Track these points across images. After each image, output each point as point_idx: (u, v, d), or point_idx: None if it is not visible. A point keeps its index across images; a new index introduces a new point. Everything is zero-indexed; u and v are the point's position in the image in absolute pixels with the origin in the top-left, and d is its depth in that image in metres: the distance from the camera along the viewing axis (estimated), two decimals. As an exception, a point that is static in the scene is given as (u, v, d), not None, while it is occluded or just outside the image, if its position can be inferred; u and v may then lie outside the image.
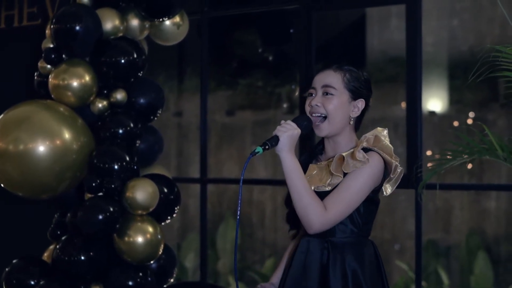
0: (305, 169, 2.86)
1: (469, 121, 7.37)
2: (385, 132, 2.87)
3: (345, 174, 2.76)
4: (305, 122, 2.82)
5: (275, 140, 2.74)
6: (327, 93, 2.84)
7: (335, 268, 2.78)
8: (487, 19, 7.55)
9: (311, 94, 2.89)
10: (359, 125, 2.93)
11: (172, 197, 4.55)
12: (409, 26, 4.75)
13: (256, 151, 2.72)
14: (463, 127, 6.88)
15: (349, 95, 2.85)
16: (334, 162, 2.79)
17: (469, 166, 3.53)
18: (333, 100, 2.83)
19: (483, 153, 3.44)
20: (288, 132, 2.74)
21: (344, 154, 2.78)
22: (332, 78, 2.86)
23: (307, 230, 2.76)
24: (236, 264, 2.76)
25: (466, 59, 7.41)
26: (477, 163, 3.45)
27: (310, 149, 3.01)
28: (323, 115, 2.83)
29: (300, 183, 2.72)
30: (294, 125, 2.77)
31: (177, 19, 4.68)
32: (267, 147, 2.73)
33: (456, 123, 7.50)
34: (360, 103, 2.87)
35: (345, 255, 2.79)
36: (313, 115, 2.85)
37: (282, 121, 2.80)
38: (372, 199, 2.82)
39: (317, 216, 2.70)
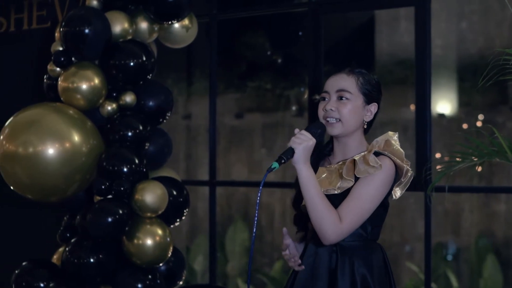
0: (314, 171, 2.85)
1: (479, 124, 7.35)
2: (396, 136, 2.86)
3: (356, 179, 2.75)
4: (319, 130, 2.79)
5: (290, 152, 2.71)
6: (341, 98, 2.82)
7: (344, 272, 2.77)
8: (496, 22, 7.53)
9: (324, 98, 2.87)
10: (369, 128, 2.91)
11: (181, 199, 4.56)
12: (418, 29, 4.74)
13: (272, 167, 2.70)
14: (472, 129, 6.86)
15: (363, 99, 2.83)
16: (346, 166, 2.77)
17: (479, 168, 3.52)
18: (348, 105, 2.81)
19: (493, 156, 3.43)
20: (303, 144, 2.71)
21: (356, 158, 2.76)
22: (346, 82, 2.84)
23: (322, 241, 2.74)
24: (250, 270, 2.75)
25: (475, 61, 7.39)
26: (486, 165, 3.44)
27: (318, 150, 2.99)
28: (338, 119, 2.82)
29: (315, 195, 2.70)
30: (308, 135, 2.74)
31: (186, 22, 4.68)
32: (283, 161, 2.71)
33: (465, 126, 7.48)
34: (373, 107, 2.86)
35: (354, 259, 2.78)
36: (328, 119, 2.83)
37: (296, 130, 2.76)
38: (383, 203, 2.80)
39: (332, 228, 2.69)
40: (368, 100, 2.84)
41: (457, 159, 3.57)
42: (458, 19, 7.72)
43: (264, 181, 2.71)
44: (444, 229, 7.69)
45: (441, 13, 7.44)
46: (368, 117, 2.85)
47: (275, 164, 2.69)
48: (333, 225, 2.68)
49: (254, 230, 2.72)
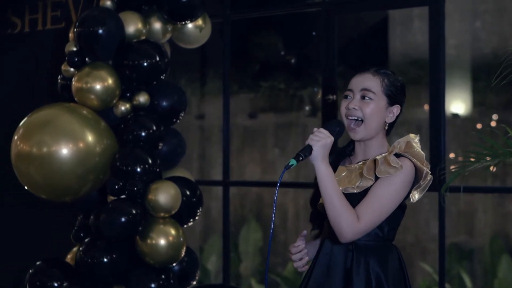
0: (334, 170, 2.84)
1: (493, 124, 7.32)
2: (417, 139, 2.85)
3: (376, 178, 2.74)
4: (337, 128, 2.79)
5: (308, 150, 2.70)
6: (365, 97, 2.81)
7: (359, 271, 2.76)
8: (510, 21, 7.51)
9: (347, 96, 2.87)
10: (391, 130, 2.91)
11: (194, 199, 4.56)
12: (432, 28, 4.73)
13: (290, 164, 2.69)
14: (487, 129, 6.84)
15: (386, 101, 2.82)
16: (367, 165, 2.77)
17: (493, 169, 3.51)
18: (371, 105, 2.80)
19: (507, 156, 3.42)
20: (321, 141, 2.70)
21: (377, 157, 2.76)
22: (371, 82, 2.83)
23: (339, 239, 2.74)
24: (268, 271, 2.75)
25: (489, 61, 7.36)
26: (500, 165, 3.42)
27: (340, 150, 2.99)
28: (360, 119, 2.81)
29: (334, 193, 2.69)
30: (327, 133, 2.73)
31: (199, 22, 4.69)
32: (300, 158, 2.70)
33: (479, 126, 7.45)
34: (396, 109, 2.85)
35: (369, 259, 2.77)
36: (349, 117, 2.82)
37: (315, 129, 2.76)
38: (400, 205, 2.79)
39: (349, 226, 2.68)
40: (391, 102, 2.83)
41: (471, 159, 3.56)
42: (472, 18, 7.70)
43: (277, 180, 2.70)
44: (458, 229, 7.67)
45: (455, 13, 7.42)
46: (390, 119, 2.84)
47: (293, 161, 2.68)
48: (351, 223, 2.68)
49: (272, 227, 2.71)
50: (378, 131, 2.83)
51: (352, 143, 2.94)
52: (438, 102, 4.71)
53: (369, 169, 2.75)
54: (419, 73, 7.54)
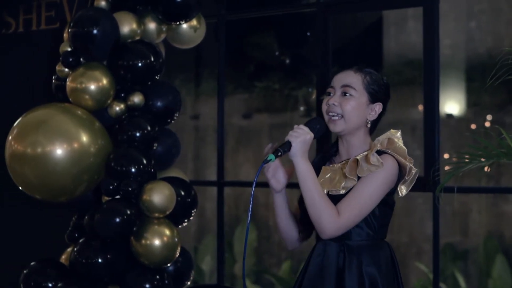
0: (318, 171, 2.85)
1: (487, 124, 7.34)
2: (399, 134, 2.86)
3: (359, 178, 2.75)
4: (318, 125, 2.81)
5: (288, 146, 2.73)
6: (345, 93, 2.83)
7: (351, 271, 2.77)
8: (505, 21, 7.52)
9: (329, 93, 2.88)
10: (374, 128, 2.91)
11: (189, 200, 4.56)
12: (426, 29, 4.73)
13: (268, 158, 2.71)
14: (481, 130, 6.86)
15: (367, 98, 2.83)
16: (349, 165, 2.78)
17: (487, 169, 3.51)
18: (351, 101, 2.82)
19: (501, 157, 3.42)
20: (300, 138, 2.73)
21: (358, 157, 2.77)
22: (352, 79, 2.84)
23: (320, 235, 2.75)
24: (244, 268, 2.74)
25: (484, 61, 7.38)
26: (494, 166, 3.43)
27: (324, 151, 3.00)
28: (340, 115, 2.82)
29: (313, 188, 2.71)
30: (306, 129, 2.75)
31: (194, 22, 4.68)
32: (279, 153, 2.73)
33: (473, 126, 7.47)
34: (378, 107, 2.86)
35: (362, 258, 2.78)
36: (329, 113, 2.84)
37: (295, 126, 2.78)
38: (387, 202, 2.81)
39: (330, 221, 2.70)
40: (373, 99, 2.84)
41: (466, 160, 3.56)
42: (466, 19, 7.71)
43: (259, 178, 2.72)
44: (452, 229, 7.68)
45: (449, 13, 7.43)
46: (372, 116, 2.85)
47: (271, 156, 2.71)
48: (331, 218, 2.70)
49: (248, 224, 2.72)
50: (359, 127, 2.84)
51: (335, 143, 2.95)
52: (432, 103, 4.71)
53: (351, 169, 2.77)
54: (414, 73, 7.56)
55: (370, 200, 2.74)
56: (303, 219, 2.95)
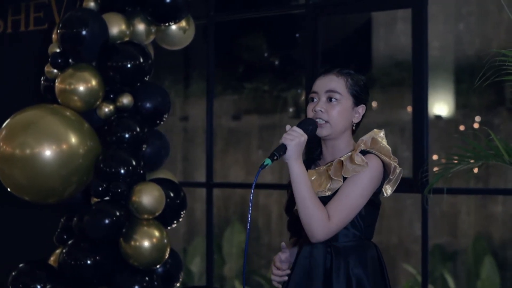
0: None
1: (475, 126, 7.36)
2: (382, 133, 2.85)
3: (345, 178, 2.75)
4: (310, 126, 2.80)
5: (283, 149, 2.71)
6: (331, 99, 2.82)
7: (339, 273, 2.77)
8: (493, 24, 7.54)
9: (313, 99, 2.87)
10: (357, 129, 2.92)
11: (178, 201, 4.56)
12: (415, 30, 4.74)
13: (265, 163, 2.70)
14: (469, 131, 6.88)
15: (352, 100, 2.84)
16: (333, 166, 2.78)
17: (475, 170, 3.53)
18: (337, 107, 2.81)
19: (490, 158, 3.44)
20: (295, 140, 2.71)
21: (342, 158, 2.77)
22: (336, 83, 2.84)
23: (310, 239, 2.74)
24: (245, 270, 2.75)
25: (472, 63, 7.40)
26: (483, 167, 3.45)
27: (308, 155, 3.00)
28: (327, 121, 2.82)
29: (306, 192, 2.70)
30: (300, 131, 2.74)
31: (183, 23, 4.68)
32: (275, 157, 2.71)
33: (462, 128, 7.49)
34: (361, 109, 2.86)
35: (349, 259, 2.78)
36: (316, 119, 2.83)
37: (288, 127, 2.77)
38: (373, 202, 2.81)
39: (321, 226, 2.69)
40: (357, 102, 2.85)
41: (454, 161, 3.58)
42: (455, 20, 7.73)
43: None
44: (441, 231, 7.70)
45: (438, 15, 7.45)
46: (357, 119, 2.86)
47: (268, 161, 2.69)
48: (322, 222, 2.69)
49: (248, 227, 2.72)
50: (345, 131, 2.84)
51: (319, 146, 2.95)
52: (421, 104, 4.73)
53: (336, 171, 2.77)
54: (403, 75, 7.57)
55: (357, 201, 2.74)
56: (291, 226, 2.95)
